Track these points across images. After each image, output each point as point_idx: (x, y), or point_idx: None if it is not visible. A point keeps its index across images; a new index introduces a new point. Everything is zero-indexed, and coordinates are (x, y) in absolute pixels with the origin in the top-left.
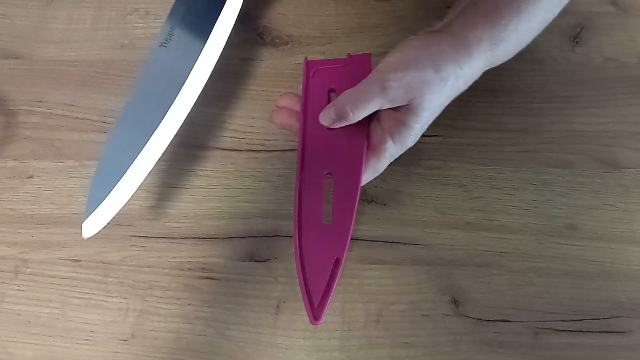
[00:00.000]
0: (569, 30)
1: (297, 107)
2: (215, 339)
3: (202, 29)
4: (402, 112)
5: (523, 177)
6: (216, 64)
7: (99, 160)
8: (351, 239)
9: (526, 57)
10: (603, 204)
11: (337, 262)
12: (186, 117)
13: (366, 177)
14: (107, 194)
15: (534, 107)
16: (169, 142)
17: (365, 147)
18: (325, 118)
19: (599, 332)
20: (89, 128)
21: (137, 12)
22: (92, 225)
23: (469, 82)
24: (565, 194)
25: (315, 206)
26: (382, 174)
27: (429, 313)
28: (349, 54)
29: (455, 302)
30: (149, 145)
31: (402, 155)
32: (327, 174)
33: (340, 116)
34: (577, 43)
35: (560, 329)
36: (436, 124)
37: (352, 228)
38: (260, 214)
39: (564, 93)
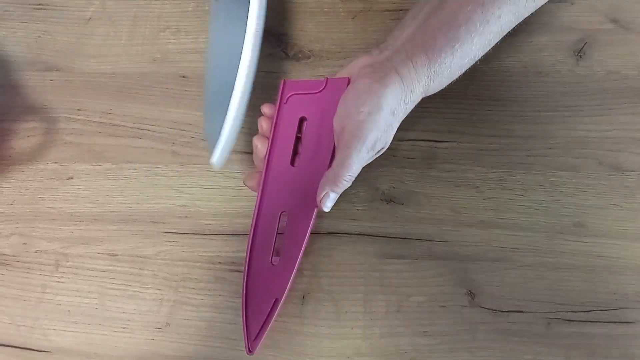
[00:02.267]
0: (572, 45)
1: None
2: None
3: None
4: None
5: (533, 179)
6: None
7: (204, 100)
8: (365, 235)
9: (532, 70)
10: (609, 204)
11: (275, 303)
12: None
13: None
14: (222, 124)
15: (541, 115)
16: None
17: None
18: (327, 202)
19: (608, 322)
20: (125, 134)
21: (169, 29)
22: (220, 156)
23: (407, 113)
24: (572, 195)
25: (267, 244)
26: (399, 176)
27: (447, 304)
28: (326, 77)
29: (471, 294)
30: (241, 71)
31: (417, 159)
32: (283, 212)
33: (337, 187)
34: (580, 57)
35: (570, 319)
36: (449, 130)
37: (296, 269)
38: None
39: (569, 102)
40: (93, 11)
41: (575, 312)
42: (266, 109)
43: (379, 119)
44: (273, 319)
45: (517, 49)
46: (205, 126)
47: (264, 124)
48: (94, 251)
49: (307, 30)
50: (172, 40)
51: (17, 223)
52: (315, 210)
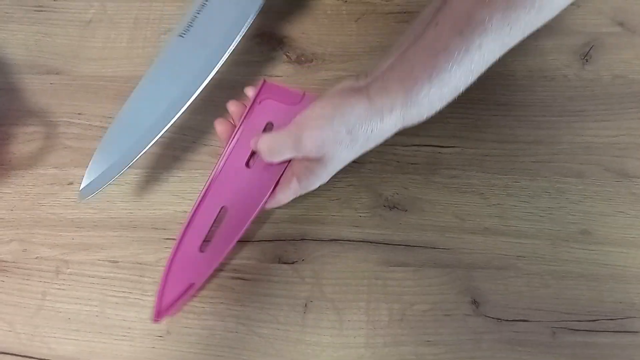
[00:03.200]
0: (579, 49)
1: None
2: (247, 336)
3: (221, 25)
4: (312, 162)
5: (538, 185)
6: (245, 80)
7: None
8: (368, 242)
9: (538, 74)
10: (615, 211)
11: (190, 287)
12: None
13: (268, 205)
14: (107, 165)
15: (546, 120)
16: (169, 125)
17: (268, 195)
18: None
19: (614, 331)
20: None
21: (171, 32)
22: (89, 191)
23: (381, 140)
24: (578, 202)
25: (201, 231)
26: (403, 182)
27: (450, 313)
28: (304, 92)
29: (475, 302)
30: (152, 127)
31: (421, 164)
32: (223, 206)
33: (260, 144)
34: (587, 61)
35: (576, 328)
36: (453, 135)
37: (219, 261)
38: (288, 219)
39: (575, 107)
40: (94, 13)
41: (581, 321)
42: (232, 107)
43: (326, 126)
44: (184, 300)
45: (522, 53)
46: (101, 151)
47: (233, 109)
48: (95, 258)
49: (310, 33)
50: None
51: (17, 229)
52: (254, 214)
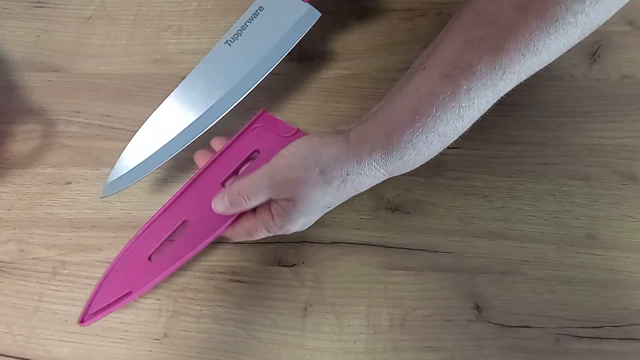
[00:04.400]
0: (586, 48)
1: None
2: (245, 340)
3: (271, 36)
4: (285, 203)
5: (543, 188)
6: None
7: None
8: (369, 245)
9: (544, 73)
10: (622, 215)
11: (127, 294)
12: (218, 122)
13: (237, 236)
14: (135, 163)
15: (553, 121)
16: (204, 131)
17: (231, 221)
18: (219, 204)
19: (619, 339)
20: (125, 137)
21: (171, 29)
22: (112, 188)
23: (363, 187)
24: (584, 205)
25: (154, 240)
26: (405, 184)
27: (452, 318)
28: (298, 129)
29: (478, 308)
30: (185, 132)
31: (424, 166)
32: (185, 219)
33: (235, 203)
34: (594, 61)
35: (580, 335)
36: None
37: (166, 274)
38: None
39: (582, 108)
40: (93, 10)
41: (585, 328)
42: (215, 144)
43: (299, 164)
44: (117, 307)
45: None
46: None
47: (215, 144)
48: (92, 259)
49: (311, 30)
50: (174, 41)
51: (15, 229)
52: (215, 234)
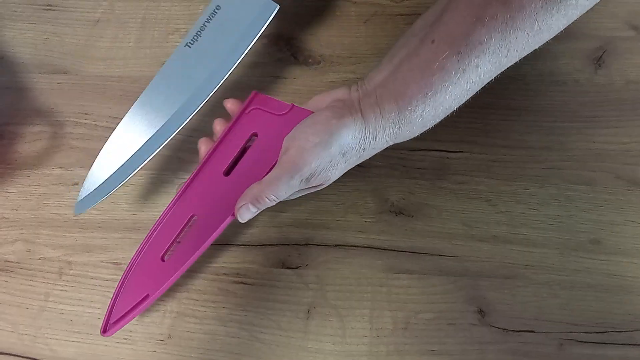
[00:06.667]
0: (591, 53)
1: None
2: (248, 341)
3: (230, 34)
4: (310, 188)
5: (547, 193)
6: (252, 81)
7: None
8: (373, 248)
9: (549, 78)
10: (626, 220)
11: (145, 298)
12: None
13: (244, 212)
14: (104, 177)
15: (557, 126)
16: (170, 137)
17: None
18: (245, 214)
19: (623, 344)
20: None
21: (178, 32)
22: (84, 205)
23: (369, 156)
24: (589, 210)
25: (165, 240)
26: (409, 187)
27: (456, 322)
28: (292, 104)
29: (481, 312)
30: (152, 140)
31: (428, 169)
32: (192, 216)
33: (262, 207)
34: (599, 66)
35: (584, 340)
36: (461, 140)
37: (180, 273)
38: (292, 223)
39: (586, 113)
40: (102, 12)
41: (589, 333)
42: (229, 104)
43: (324, 154)
44: (137, 313)
45: (533, 56)
46: (95, 169)
47: (217, 127)
48: (98, 259)
49: (318, 34)
50: None
51: (22, 229)
52: (224, 224)
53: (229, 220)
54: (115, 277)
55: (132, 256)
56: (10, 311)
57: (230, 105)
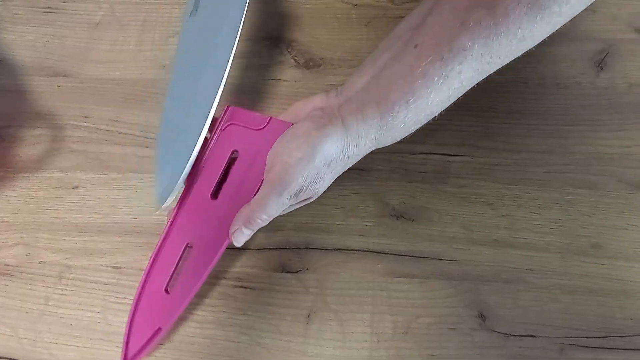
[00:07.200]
0: (593, 56)
1: None
2: (248, 346)
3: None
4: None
5: (549, 196)
6: (252, 84)
7: (157, 138)
8: (373, 252)
9: (550, 81)
10: (628, 225)
11: (157, 331)
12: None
13: (238, 235)
14: (172, 165)
15: (559, 129)
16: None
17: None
18: (240, 237)
19: (624, 349)
20: (132, 142)
21: (179, 35)
22: (165, 196)
23: (352, 163)
24: (590, 214)
25: (165, 272)
26: (410, 191)
27: (456, 327)
28: (270, 116)
29: (482, 316)
30: (200, 112)
31: (429, 173)
32: (188, 244)
33: (256, 228)
34: (601, 68)
35: (585, 345)
36: (463, 143)
37: (187, 303)
38: (293, 227)
39: (588, 116)
40: (102, 15)
41: (590, 337)
42: None
43: (309, 167)
44: (152, 346)
45: (535, 59)
46: (159, 157)
47: None
48: (98, 263)
49: (319, 37)
50: None
51: (22, 233)
52: (222, 248)
53: (225, 244)
54: (115, 280)
55: (132, 260)
56: (10, 315)
57: None
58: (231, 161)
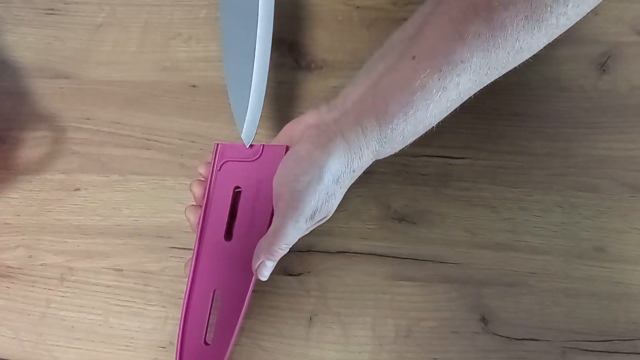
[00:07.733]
0: (595, 58)
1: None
2: (250, 349)
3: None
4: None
5: (551, 199)
6: None
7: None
8: (376, 255)
9: (553, 84)
10: (630, 228)
11: None
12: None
13: (262, 269)
14: (248, 99)
15: (561, 132)
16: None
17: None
18: (264, 271)
19: (627, 353)
20: (133, 144)
21: (180, 37)
22: (250, 130)
23: (357, 175)
24: (593, 217)
25: (200, 324)
26: (412, 194)
27: (459, 330)
28: (262, 144)
29: (484, 320)
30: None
31: (432, 176)
32: (215, 289)
33: (273, 256)
34: (604, 71)
35: (588, 349)
36: (465, 146)
37: (230, 349)
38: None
39: (590, 119)
40: (104, 17)
41: (593, 341)
42: (202, 169)
43: (320, 189)
44: None
45: (537, 62)
46: (230, 87)
47: (195, 191)
48: (99, 266)
49: (320, 39)
50: (183, 48)
51: (24, 235)
52: (251, 287)
53: (252, 282)
54: (116, 283)
55: (134, 262)
56: (11, 317)
57: (202, 170)
58: (235, 198)
